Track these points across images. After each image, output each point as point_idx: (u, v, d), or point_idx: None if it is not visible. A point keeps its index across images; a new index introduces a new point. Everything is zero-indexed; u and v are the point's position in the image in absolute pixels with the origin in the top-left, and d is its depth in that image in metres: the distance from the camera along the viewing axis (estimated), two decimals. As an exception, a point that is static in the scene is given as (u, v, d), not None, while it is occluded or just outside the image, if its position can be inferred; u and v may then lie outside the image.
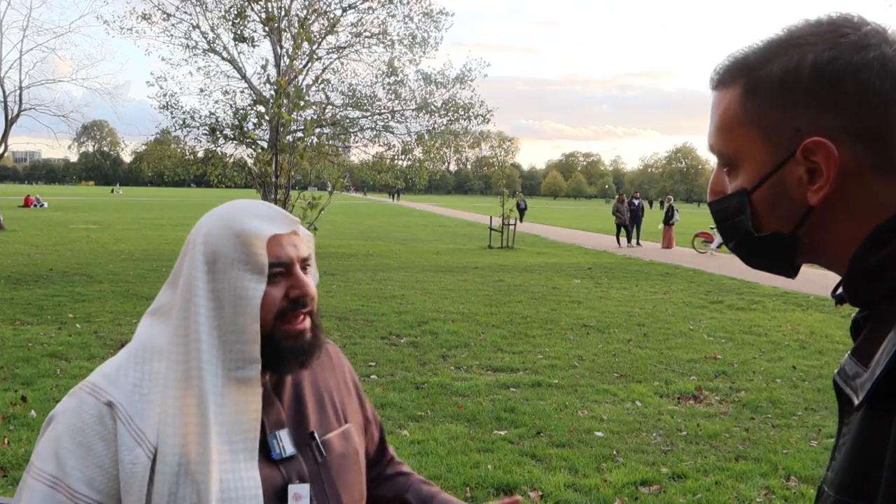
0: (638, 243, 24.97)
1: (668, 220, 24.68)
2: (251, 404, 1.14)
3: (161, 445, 1.07)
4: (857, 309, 0.81)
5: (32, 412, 5.41)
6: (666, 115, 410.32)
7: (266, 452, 1.16)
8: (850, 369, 0.75)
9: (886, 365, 0.69)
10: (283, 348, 1.16)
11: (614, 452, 4.98)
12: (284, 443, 1.18)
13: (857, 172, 0.75)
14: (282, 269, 1.16)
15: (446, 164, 26.23)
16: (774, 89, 0.77)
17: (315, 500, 1.18)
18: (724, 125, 0.81)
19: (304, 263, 1.20)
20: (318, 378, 1.31)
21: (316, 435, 1.23)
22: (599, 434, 5.33)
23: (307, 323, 1.19)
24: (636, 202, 25.58)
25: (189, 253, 1.16)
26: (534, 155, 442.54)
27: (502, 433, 5.31)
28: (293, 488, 1.16)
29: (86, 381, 1.14)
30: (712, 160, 0.87)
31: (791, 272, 0.86)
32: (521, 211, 39.62)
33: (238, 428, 1.12)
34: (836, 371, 0.78)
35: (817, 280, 10.83)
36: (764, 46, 0.80)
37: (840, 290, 0.82)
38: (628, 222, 25.04)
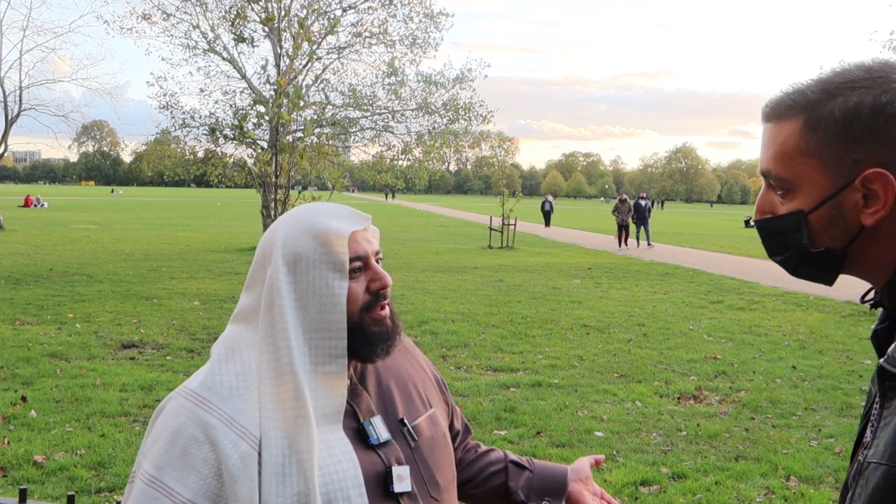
0: (648, 244, 24.14)
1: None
2: (338, 388, 1.19)
3: (264, 438, 1.12)
4: (875, 318, 0.95)
5: (32, 412, 5.40)
6: (665, 115, 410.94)
7: (364, 439, 1.22)
8: None
9: None
10: (371, 336, 1.23)
11: (614, 452, 4.98)
12: (379, 429, 1.24)
13: None
14: (360, 265, 1.23)
15: (446, 163, 26.22)
16: (835, 125, 0.87)
17: (412, 481, 1.25)
18: (784, 154, 0.91)
19: (377, 256, 1.27)
20: (399, 367, 1.38)
21: (406, 421, 1.29)
22: (599, 434, 5.33)
23: (387, 311, 1.26)
24: (643, 202, 24.24)
25: (268, 257, 1.22)
26: (533, 155, 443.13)
27: (502, 433, 5.31)
28: (396, 470, 1.22)
29: (185, 387, 1.19)
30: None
31: (832, 281, 0.98)
32: (547, 214, 34.48)
33: (325, 412, 1.18)
34: (881, 360, 0.88)
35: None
36: (819, 86, 0.90)
37: (870, 295, 0.96)
38: (636, 223, 24.13)
